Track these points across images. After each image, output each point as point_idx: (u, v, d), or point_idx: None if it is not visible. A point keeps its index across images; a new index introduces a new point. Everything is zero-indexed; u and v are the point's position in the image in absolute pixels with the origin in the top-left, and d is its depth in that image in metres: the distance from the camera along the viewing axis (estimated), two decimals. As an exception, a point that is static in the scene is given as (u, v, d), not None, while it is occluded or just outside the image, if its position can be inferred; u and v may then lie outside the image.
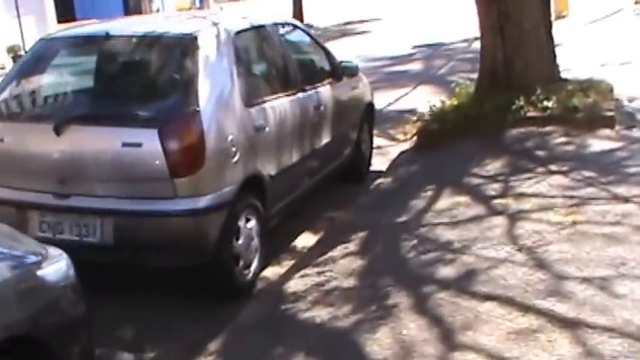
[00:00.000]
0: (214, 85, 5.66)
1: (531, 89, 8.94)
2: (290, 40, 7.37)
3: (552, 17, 21.00)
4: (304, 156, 6.85)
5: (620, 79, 11.33)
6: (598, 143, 8.04)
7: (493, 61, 9.43)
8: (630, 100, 9.69)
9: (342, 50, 20.86)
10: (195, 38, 5.81)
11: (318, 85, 7.36)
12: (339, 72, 7.83)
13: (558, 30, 19.14)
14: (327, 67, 7.78)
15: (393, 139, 10.40)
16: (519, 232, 5.82)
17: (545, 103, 8.69)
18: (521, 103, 8.74)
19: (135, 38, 6.13)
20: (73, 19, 28.62)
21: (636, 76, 11.83)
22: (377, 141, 10.16)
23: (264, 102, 6.22)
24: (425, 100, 11.37)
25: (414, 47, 19.61)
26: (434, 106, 9.61)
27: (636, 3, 21.33)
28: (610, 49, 15.06)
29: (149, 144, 5.31)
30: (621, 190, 6.51)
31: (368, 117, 8.73)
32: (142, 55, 6.13)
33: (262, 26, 6.79)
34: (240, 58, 6.14)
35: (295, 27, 7.61)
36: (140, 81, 5.95)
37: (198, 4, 37.48)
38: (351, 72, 8.02)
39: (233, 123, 5.72)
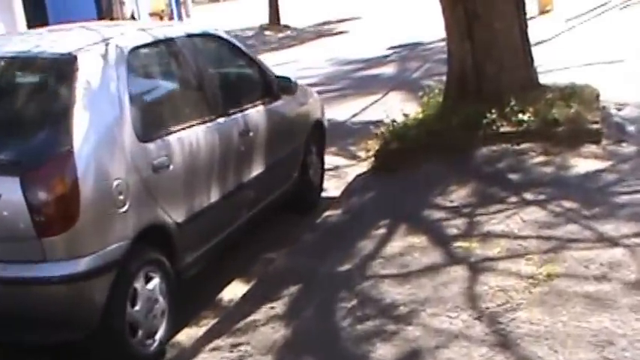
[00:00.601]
0: (96, 117, 4.52)
1: (505, 99, 7.80)
2: (209, 55, 6.20)
3: (536, 12, 20.17)
4: (228, 193, 5.71)
5: (606, 80, 10.26)
6: (582, 163, 6.92)
7: (462, 68, 8.28)
8: (619, 108, 8.56)
9: (316, 52, 19.92)
10: (75, 59, 4.67)
11: (248, 106, 6.21)
12: (276, 89, 6.67)
13: (541, 26, 18.16)
14: (259, 84, 6.61)
15: (354, 157, 9.28)
16: (481, 291, 4.68)
17: (521, 115, 7.55)
18: (494, 116, 7.60)
19: (3, 61, 4.97)
20: (46, 24, 27.62)
21: (624, 77, 10.73)
22: (335, 160, 9.08)
23: (168, 134, 5.06)
24: (395, 108, 10.28)
25: (390, 48, 18.46)
26: (394, 121, 8.44)
27: None
28: (596, 46, 14.01)
29: (9, 195, 4.21)
30: (609, 227, 5.38)
31: (317, 137, 7.59)
32: (8, 82, 4.98)
33: (170, 40, 5.61)
34: (136, 81, 5.00)
35: (219, 38, 6.42)
36: (3, 115, 4.79)
37: (174, 7, 36.22)
38: (288, 89, 6.83)
39: (121, 164, 4.58)
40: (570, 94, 8.15)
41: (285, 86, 6.74)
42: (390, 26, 23.66)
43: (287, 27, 28.20)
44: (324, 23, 28.39)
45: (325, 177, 8.16)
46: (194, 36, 5.94)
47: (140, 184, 4.67)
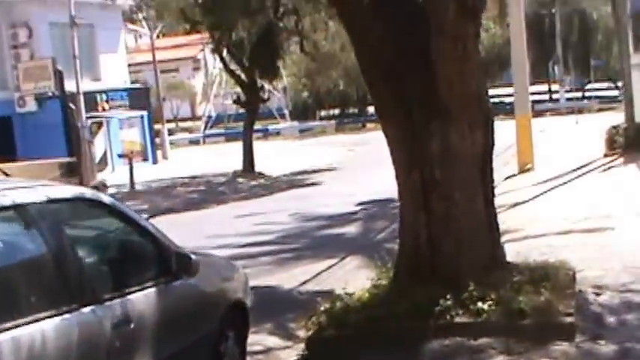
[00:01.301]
0: None
1: (464, 282, 6.62)
2: (81, 225, 5.02)
3: (516, 170, 19.29)
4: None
5: (584, 253, 9.18)
6: (551, 368, 5.68)
7: (415, 242, 7.13)
8: (598, 293, 7.37)
9: (283, 205, 18.84)
10: None
11: (133, 289, 4.96)
12: (175, 267, 5.41)
13: (520, 186, 17.22)
14: (152, 261, 5.36)
15: (291, 336, 7.96)
16: None
17: (480, 304, 6.35)
18: (449, 302, 6.40)
19: None
20: (14, 160, 26.83)
21: (604, 250, 9.63)
22: (269, 340, 7.82)
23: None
24: (348, 277, 9.14)
25: (360, 204, 17.38)
26: (336, 299, 7.21)
27: (605, 156, 19.30)
28: (576, 211, 13.03)
29: None
30: None
31: (236, 321, 6.31)
32: None
33: (18, 206, 4.38)
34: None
35: (97, 204, 5.17)
36: None
37: (150, 148, 35.59)
38: (187, 268, 5.53)
39: None
40: (541, 276, 6.97)
41: (184, 264, 5.47)
42: (364, 179, 22.73)
43: (261, 175, 27.37)
44: (300, 173, 27.52)
45: (253, 363, 6.90)
46: (59, 201, 4.73)
47: None
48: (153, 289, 5.16)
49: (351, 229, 14.50)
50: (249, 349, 7.24)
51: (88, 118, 28.74)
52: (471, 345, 6.06)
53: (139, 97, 35.40)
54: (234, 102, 32.05)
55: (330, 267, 11.05)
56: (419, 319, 6.32)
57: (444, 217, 6.94)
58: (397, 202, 16.36)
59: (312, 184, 23.82)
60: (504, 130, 21.83)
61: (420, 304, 6.42)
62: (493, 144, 7.23)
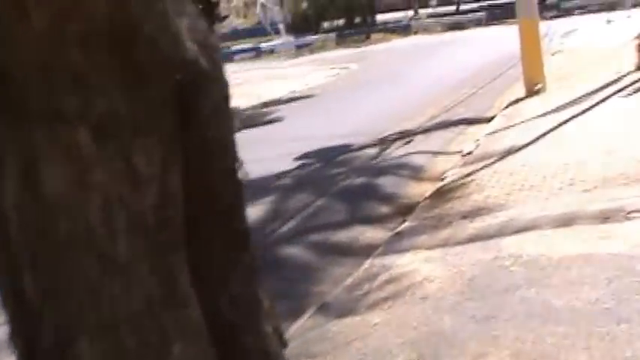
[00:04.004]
0: None
1: None
2: None
3: (523, 93, 14.47)
4: None
5: (590, 305, 4.85)
6: None
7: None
8: None
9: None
10: None
11: None
12: None
13: (524, 115, 12.48)
14: None
15: None
16: None
17: None
18: None
19: None
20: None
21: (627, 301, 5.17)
22: None
23: None
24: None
25: (302, 156, 12.73)
26: None
27: (638, 69, 14.13)
28: (589, 164, 8.60)
29: None
30: None
31: None
32: None
33: None
34: None
35: None
36: None
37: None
38: None
39: None
40: None
41: None
42: (339, 110, 18.37)
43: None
44: (270, 103, 22.86)
45: None
46: None
47: None
48: None
49: (254, 214, 9.88)
50: None
51: None
52: None
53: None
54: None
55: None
56: None
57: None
58: (350, 152, 11.86)
59: (271, 121, 19.04)
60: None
61: None
62: (239, 191, 2.26)
